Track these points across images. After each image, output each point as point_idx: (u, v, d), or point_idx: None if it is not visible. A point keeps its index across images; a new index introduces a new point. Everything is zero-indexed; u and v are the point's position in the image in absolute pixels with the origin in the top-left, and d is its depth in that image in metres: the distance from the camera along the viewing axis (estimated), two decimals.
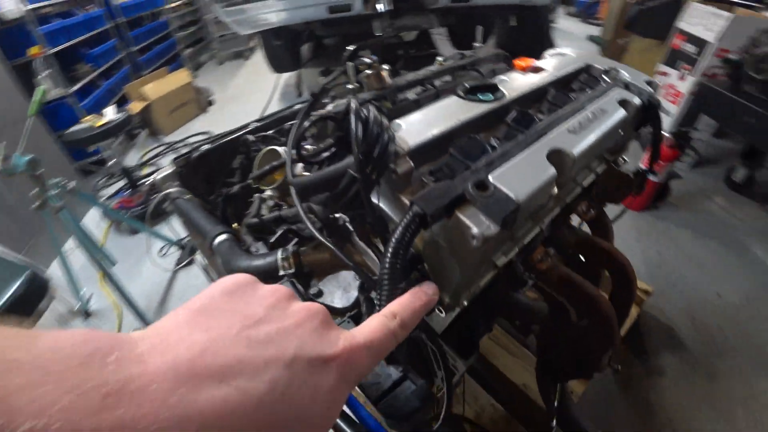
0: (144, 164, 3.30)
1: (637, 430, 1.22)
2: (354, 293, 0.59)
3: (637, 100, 0.71)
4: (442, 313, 0.56)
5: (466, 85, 0.65)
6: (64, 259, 1.83)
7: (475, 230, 0.42)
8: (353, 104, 0.50)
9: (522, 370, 1.15)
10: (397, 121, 0.57)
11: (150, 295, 1.94)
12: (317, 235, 0.53)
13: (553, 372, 0.87)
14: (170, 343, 0.19)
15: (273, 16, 2.32)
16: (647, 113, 0.75)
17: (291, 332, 0.23)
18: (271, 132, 1.01)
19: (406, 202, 0.51)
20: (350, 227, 0.57)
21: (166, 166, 1.23)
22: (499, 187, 0.44)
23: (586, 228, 0.89)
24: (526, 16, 2.98)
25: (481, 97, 0.63)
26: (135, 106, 3.43)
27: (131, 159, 3.39)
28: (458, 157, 0.52)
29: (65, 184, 1.66)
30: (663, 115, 2.08)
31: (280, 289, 0.26)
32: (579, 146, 0.55)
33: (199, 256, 2.02)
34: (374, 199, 0.51)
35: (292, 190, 0.54)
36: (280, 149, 0.85)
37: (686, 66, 2.07)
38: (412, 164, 0.50)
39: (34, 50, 2.55)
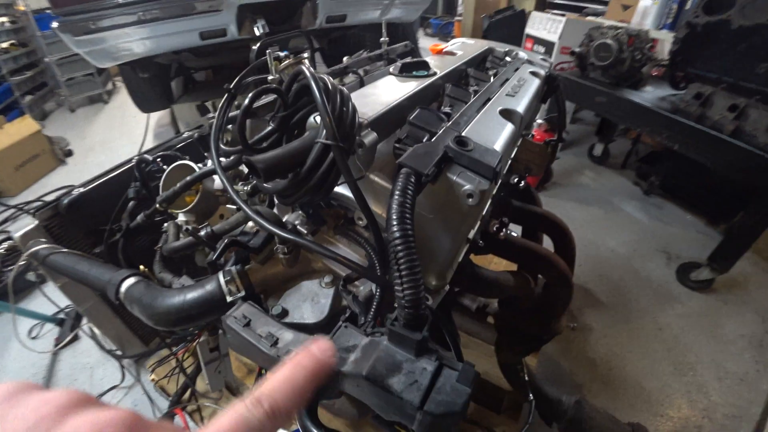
0: None
1: (587, 384, 1.33)
2: (325, 301, 0.50)
3: (543, 72, 0.78)
4: (429, 300, 0.52)
5: (399, 63, 0.63)
6: None
7: (467, 186, 0.38)
8: (306, 70, 0.43)
9: (479, 360, 1.15)
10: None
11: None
12: (282, 233, 0.43)
13: (514, 348, 0.89)
14: None
15: (136, 45, 2.06)
16: (551, 84, 0.83)
17: None
18: (171, 151, 0.86)
19: (377, 179, 0.46)
20: (322, 218, 0.49)
21: (25, 225, 0.96)
22: (478, 142, 0.42)
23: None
24: (395, 33, 3.21)
25: (415, 73, 0.62)
26: None
27: None
28: (419, 125, 0.49)
29: None
30: None
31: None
32: (521, 105, 0.56)
33: (86, 327, 1.63)
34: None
35: (260, 182, 0.43)
36: (192, 163, 0.72)
37: None
38: (376, 135, 0.45)
39: None
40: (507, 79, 0.68)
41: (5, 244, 2.09)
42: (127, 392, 1.40)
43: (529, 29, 2.53)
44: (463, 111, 0.50)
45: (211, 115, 1.16)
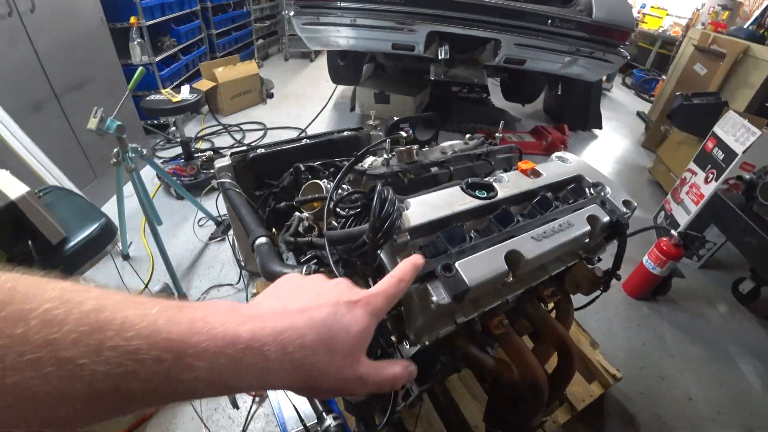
0: (200, 138, 3.66)
1: None
2: None
3: (606, 219, 0.89)
4: (407, 345, 0.77)
5: (469, 180, 0.86)
6: (122, 209, 2.14)
7: (434, 298, 0.63)
8: (379, 187, 0.72)
9: (478, 413, 1.32)
10: (409, 200, 0.79)
11: (181, 257, 2.21)
12: (332, 265, 0.74)
13: (496, 423, 1.05)
14: (269, 300, 0.37)
15: (342, 40, 2.60)
16: (615, 230, 0.92)
17: (332, 290, 0.38)
18: (318, 164, 1.23)
19: (399, 261, 0.72)
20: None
21: (224, 157, 1.48)
22: (459, 272, 0.65)
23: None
24: (572, 88, 3.16)
25: (477, 193, 0.84)
26: (204, 84, 3.81)
27: (190, 130, 3.75)
28: (443, 241, 0.73)
29: (141, 150, 1.98)
30: (682, 212, 2.18)
31: (319, 275, 0.43)
32: (535, 252, 0.74)
33: (231, 235, 2.28)
34: (380, 253, 0.73)
35: (325, 241, 0.75)
36: (323, 184, 1.08)
37: (713, 170, 2.18)
38: (408, 237, 0.71)
39: (133, 20, 2.96)
40: (554, 219, 0.83)
41: (207, 154, 2.95)
42: (237, 292, 1.98)
43: (718, 128, 2.24)
44: (478, 242, 0.72)
45: (371, 122, 1.52)
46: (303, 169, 1.20)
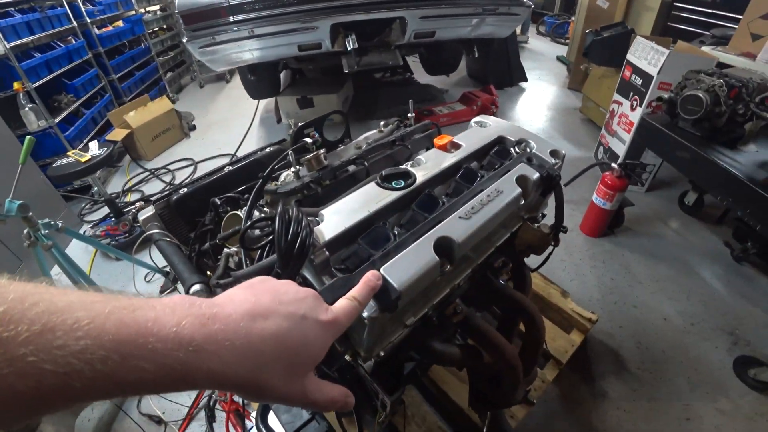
0: (128, 191, 3.40)
1: None
2: None
3: (536, 175, 0.84)
4: (362, 362, 0.70)
5: (383, 173, 0.79)
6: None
7: (364, 313, 0.56)
8: (280, 209, 0.64)
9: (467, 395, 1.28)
10: (323, 211, 0.71)
11: None
12: None
13: (480, 401, 1.01)
14: (234, 300, 0.35)
15: (245, 54, 2.47)
16: (548, 183, 0.88)
17: (301, 300, 0.38)
18: (235, 193, 1.12)
19: (324, 281, 0.65)
20: None
21: (147, 208, 1.35)
22: (387, 278, 0.58)
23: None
24: (488, 49, 3.18)
25: (393, 184, 0.77)
26: (118, 134, 3.54)
27: (115, 184, 3.48)
28: (364, 247, 0.66)
29: (55, 224, 1.78)
30: (618, 143, 2.23)
31: (290, 281, 0.42)
32: (467, 232, 0.68)
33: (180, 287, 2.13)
34: (305, 273, 0.64)
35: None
36: (241, 213, 0.98)
37: (635, 97, 2.25)
38: (327, 254, 0.64)
39: (16, 85, 2.67)
40: (481, 190, 0.78)
41: (138, 205, 2.71)
42: None
43: (631, 55, 2.31)
44: (403, 238, 0.65)
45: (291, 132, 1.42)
46: (219, 202, 1.09)
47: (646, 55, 2.16)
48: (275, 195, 0.88)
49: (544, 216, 1.07)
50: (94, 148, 2.37)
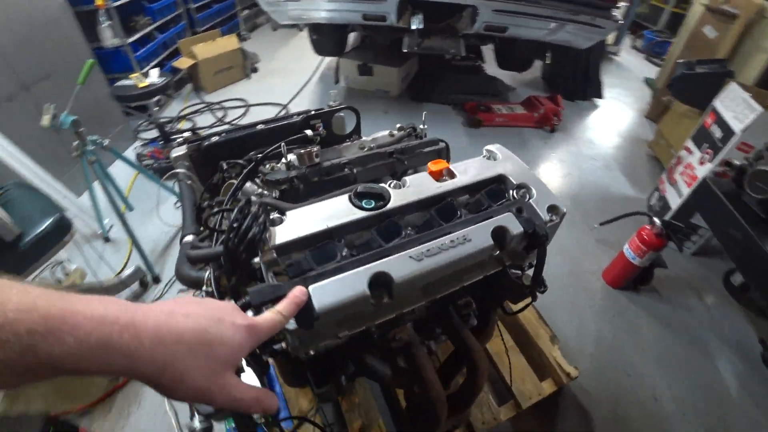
0: (182, 118, 3.64)
1: None
2: None
3: (518, 231, 0.79)
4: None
5: (359, 188, 0.80)
6: (93, 196, 2.19)
7: (288, 326, 0.60)
8: (242, 203, 0.69)
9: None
10: (288, 213, 0.75)
11: (158, 239, 2.28)
12: (212, 281, 0.73)
13: (405, 422, 1.05)
14: (160, 303, 0.40)
15: (309, 13, 2.48)
16: (533, 241, 0.82)
17: (220, 308, 0.44)
18: (242, 161, 1.18)
19: (270, 278, 0.69)
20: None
21: (180, 147, 1.46)
22: (312, 298, 0.61)
23: None
24: (567, 54, 2.95)
25: (364, 203, 0.79)
26: (184, 62, 3.76)
27: (173, 109, 3.73)
28: (309, 259, 0.69)
29: (100, 142, 1.98)
30: (674, 195, 2.05)
31: (210, 298, 0.49)
32: (410, 274, 0.69)
33: None
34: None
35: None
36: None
37: (708, 150, 2.03)
38: (274, 256, 0.69)
39: (98, 1, 2.88)
40: (449, 232, 0.77)
41: (185, 135, 2.91)
42: None
43: (719, 102, 2.05)
44: (345, 263, 0.68)
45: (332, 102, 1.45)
46: (225, 167, 1.16)
47: (735, 107, 1.92)
48: (264, 180, 0.92)
49: (531, 266, 1.03)
50: (154, 76, 2.56)
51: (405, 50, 2.51)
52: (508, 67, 3.43)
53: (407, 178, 0.88)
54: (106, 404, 1.56)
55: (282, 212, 0.76)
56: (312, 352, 0.76)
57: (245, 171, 0.92)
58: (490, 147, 1.03)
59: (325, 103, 1.21)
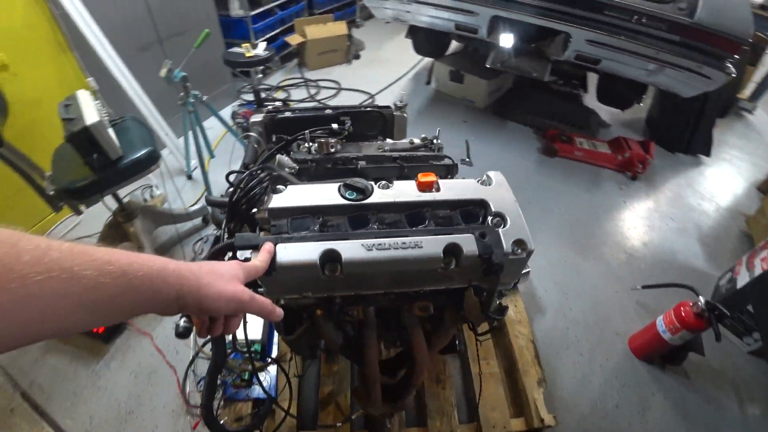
0: (279, 87, 4.12)
1: None
2: None
3: (471, 251, 0.86)
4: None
5: (347, 181, 0.97)
6: (187, 140, 2.67)
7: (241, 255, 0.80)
8: (253, 168, 0.90)
9: None
10: (290, 186, 0.95)
11: (226, 186, 2.71)
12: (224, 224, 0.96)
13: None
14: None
15: (403, 14, 2.67)
16: (487, 267, 0.87)
17: (228, 263, 0.63)
18: (292, 137, 1.40)
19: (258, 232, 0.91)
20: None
21: (259, 114, 1.76)
22: (276, 252, 0.80)
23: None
24: (669, 101, 2.73)
25: (347, 194, 0.95)
26: (294, 39, 4.23)
27: (276, 79, 4.24)
28: (288, 225, 0.88)
29: (200, 97, 2.42)
30: (746, 280, 1.91)
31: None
32: (356, 258, 0.83)
33: None
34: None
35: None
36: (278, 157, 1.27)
37: None
38: (266, 215, 0.89)
39: None
40: (407, 236, 0.89)
41: (276, 105, 3.31)
42: None
43: None
44: (313, 234, 0.85)
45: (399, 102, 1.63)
46: (274, 139, 1.41)
47: None
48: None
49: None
50: (260, 49, 2.96)
51: (487, 65, 2.56)
52: (608, 102, 3.25)
53: (396, 183, 1.01)
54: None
55: (285, 184, 0.97)
56: (282, 302, 0.95)
57: (277, 146, 1.13)
58: (490, 173, 1.09)
59: (410, 99, 1.38)
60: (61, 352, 1.83)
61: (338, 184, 0.97)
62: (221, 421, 1.41)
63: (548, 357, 1.90)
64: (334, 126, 1.19)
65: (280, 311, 0.68)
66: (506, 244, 0.90)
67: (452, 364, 1.81)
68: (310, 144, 1.13)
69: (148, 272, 0.47)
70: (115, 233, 2.12)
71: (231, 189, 0.97)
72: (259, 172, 0.91)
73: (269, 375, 1.64)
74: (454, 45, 4.19)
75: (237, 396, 1.52)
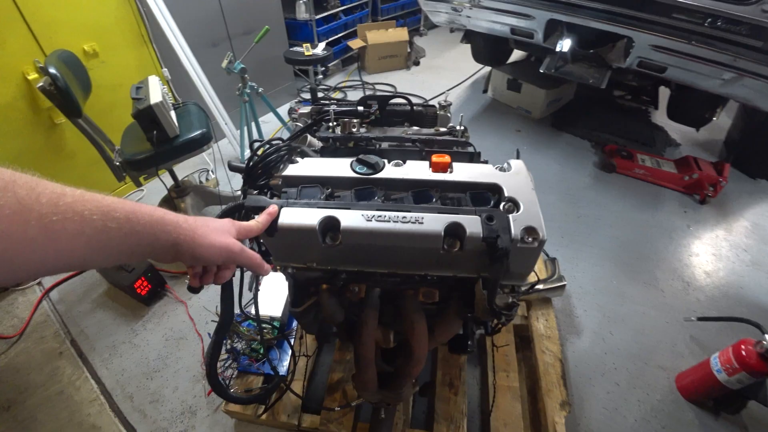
0: (337, 88, 4.31)
1: None
2: None
3: (475, 233, 0.83)
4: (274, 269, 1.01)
5: (360, 156, 1.01)
6: (242, 129, 2.89)
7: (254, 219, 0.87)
8: (280, 143, 0.98)
9: None
10: (305, 158, 1.02)
11: None
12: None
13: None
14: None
15: (459, 19, 2.69)
16: (491, 252, 0.83)
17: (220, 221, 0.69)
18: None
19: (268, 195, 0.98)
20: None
21: (306, 107, 1.89)
22: (281, 214, 0.86)
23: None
24: (750, 118, 2.46)
25: (358, 168, 0.99)
26: (356, 43, 4.42)
27: (335, 80, 4.45)
28: (297, 192, 0.94)
29: (256, 88, 2.62)
30: None
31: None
32: (354, 225, 0.86)
33: None
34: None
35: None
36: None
37: None
38: (279, 182, 0.96)
39: None
40: (408, 211, 0.89)
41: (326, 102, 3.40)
42: None
43: None
44: (317, 202, 0.90)
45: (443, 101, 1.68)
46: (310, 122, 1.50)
47: None
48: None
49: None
50: (319, 49, 3.14)
51: (541, 70, 2.50)
52: (678, 119, 2.99)
53: (410, 162, 1.03)
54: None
55: (303, 157, 1.03)
56: (289, 271, 1.00)
57: (304, 126, 1.21)
58: (510, 160, 1.02)
59: (463, 106, 1.42)
60: (110, 308, 2.04)
61: (350, 159, 1.02)
62: (230, 390, 1.50)
63: (578, 381, 1.77)
64: (360, 108, 1.24)
65: (268, 266, 0.74)
66: (516, 231, 0.84)
67: (471, 373, 1.76)
68: (334, 123, 1.19)
69: (149, 221, 0.53)
70: (168, 207, 2.33)
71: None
72: (278, 143, 0.98)
73: (286, 354, 1.70)
74: (516, 54, 4.14)
75: (249, 369, 1.59)
